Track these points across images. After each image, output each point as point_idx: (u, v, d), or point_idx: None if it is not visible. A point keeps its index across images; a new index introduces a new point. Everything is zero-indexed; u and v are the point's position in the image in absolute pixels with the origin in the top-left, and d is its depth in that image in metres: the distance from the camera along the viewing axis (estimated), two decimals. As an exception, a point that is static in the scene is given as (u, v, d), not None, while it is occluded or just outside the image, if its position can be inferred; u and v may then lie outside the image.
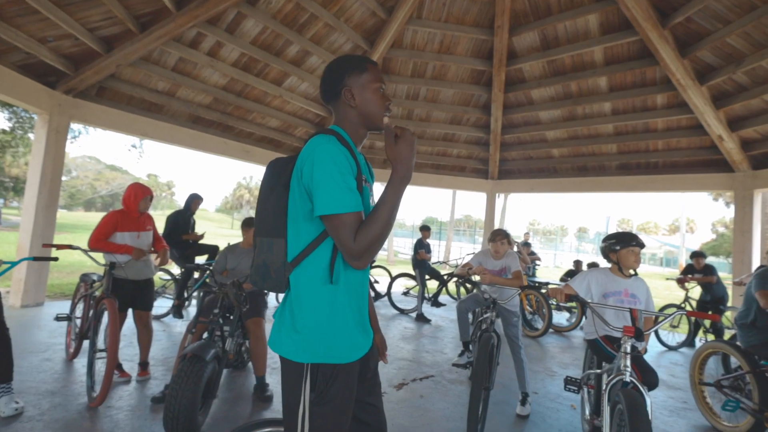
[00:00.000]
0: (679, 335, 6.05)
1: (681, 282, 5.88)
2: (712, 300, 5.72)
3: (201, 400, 2.31)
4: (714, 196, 25.24)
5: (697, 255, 5.97)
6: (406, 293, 7.50)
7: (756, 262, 6.14)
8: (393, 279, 7.00)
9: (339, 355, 1.07)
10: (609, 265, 2.60)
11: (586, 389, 2.72)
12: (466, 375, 3.80)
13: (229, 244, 3.58)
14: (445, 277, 6.92)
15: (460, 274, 3.31)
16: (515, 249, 6.33)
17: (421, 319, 6.11)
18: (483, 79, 7.10)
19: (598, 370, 2.44)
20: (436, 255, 16.43)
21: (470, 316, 3.80)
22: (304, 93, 6.91)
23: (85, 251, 2.91)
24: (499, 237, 3.43)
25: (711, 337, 5.91)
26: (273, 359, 3.75)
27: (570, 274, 7.32)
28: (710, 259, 11.05)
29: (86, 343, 3.03)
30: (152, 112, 5.93)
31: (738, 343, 2.91)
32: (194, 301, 6.07)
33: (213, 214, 57.70)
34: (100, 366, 3.02)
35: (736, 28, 4.62)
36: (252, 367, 3.16)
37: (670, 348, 5.71)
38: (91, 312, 3.07)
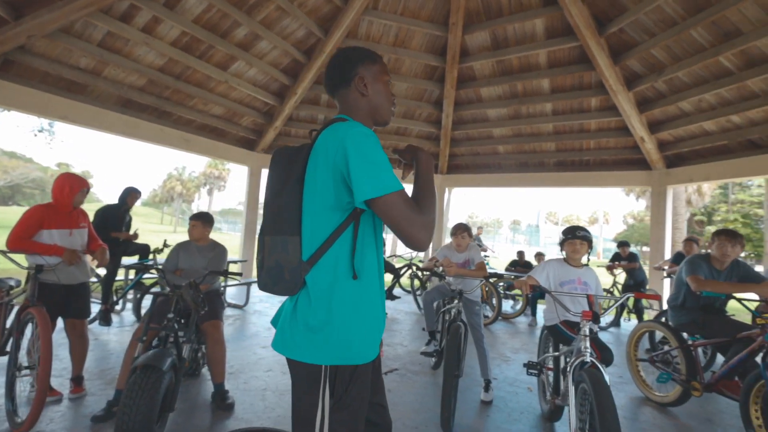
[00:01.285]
0: (608, 317, 6.72)
1: (610, 269, 6.52)
2: (635, 284, 6.42)
3: (158, 415, 2.08)
4: (626, 191, 28.35)
5: (623, 244, 6.66)
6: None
7: (668, 250, 6.99)
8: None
9: (359, 354, 1.01)
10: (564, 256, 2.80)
11: (544, 372, 2.91)
12: (429, 365, 3.88)
13: (165, 241, 3.27)
14: (400, 271, 6.99)
15: (427, 268, 3.35)
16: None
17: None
18: (436, 75, 7.22)
19: (556, 353, 2.61)
20: (390, 247, 16.62)
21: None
22: (252, 80, 6.51)
23: (2, 252, 2.47)
24: (459, 231, 3.53)
25: (633, 317, 6.65)
26: (230, 364, 3.52)
27: (514, 264, 7.79)
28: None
29: (2, 360, 2.60)
30: (73, 93, 5.20)
31: (669, 322, 3.28)
32: (128, 305, 5.50)
33: (140, 208, 52.85)
34: (23, 386, 2.61)
35: (659, 41, 5.16)
36: (208, 374, 2.93)
37: (601, 329, 6.32)
38: (9, 323, 2.63)
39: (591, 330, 2.17)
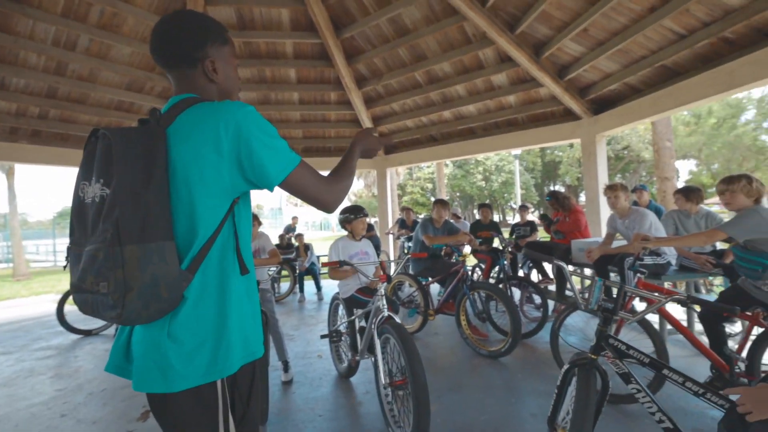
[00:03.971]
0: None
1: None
2: (376, 247, 7.99)
3: None
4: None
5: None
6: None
7: (391, 219, 9.05)
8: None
9: (257, 347, 0.98)
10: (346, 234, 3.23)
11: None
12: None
13: None
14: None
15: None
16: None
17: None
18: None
19: (351, 318, 3.04)
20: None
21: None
22: None
23: None
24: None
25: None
26: None
27: (278, 247, 8.01)
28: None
29: None
30: None
31: (411, 272, 4.39)
32: None
33: None
34: None
35: (378, 53, 6.43)
36: None
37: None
38: None
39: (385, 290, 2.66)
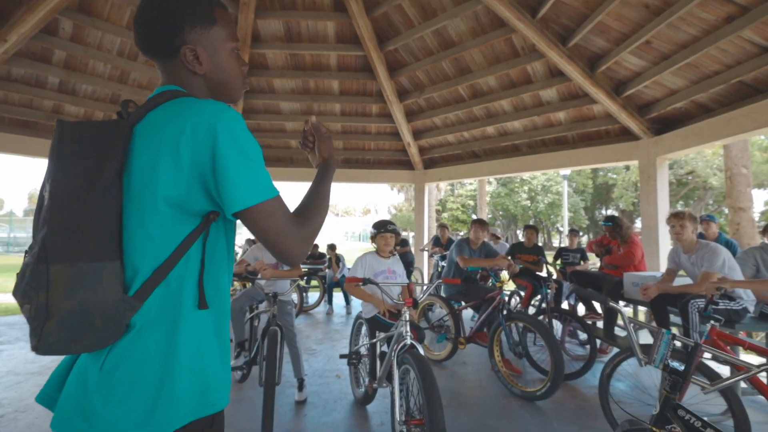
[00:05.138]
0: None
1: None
2: (406, 264, 7.72)
3: None
4: (390, 186, 33.80)
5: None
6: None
7: (427, 235, 8.79)
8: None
9: (219, 398, 0.78)
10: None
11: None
12: (234, 378, 3.50)
13: None
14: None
15: (237, 272, 2.99)
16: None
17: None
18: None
19: (373, 341, 2.83)
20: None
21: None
22: None
23: None
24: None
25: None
26: None
27: (309, 257, 8.00)
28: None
29: None
30: None
31: (442, 294, 4.12)
32: None
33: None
34: None
35: (421, 66, 6.31)
36: None
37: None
38: None
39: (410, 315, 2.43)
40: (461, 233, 27.12)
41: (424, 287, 3.02)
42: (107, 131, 0.72)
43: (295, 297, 6.18)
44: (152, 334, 0.72)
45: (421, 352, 2.22)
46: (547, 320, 4.02)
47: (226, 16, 0.88)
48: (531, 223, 17.36)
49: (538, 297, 4.60)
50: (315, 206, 0.90)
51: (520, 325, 3.50)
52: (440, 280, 2.74)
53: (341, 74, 6.80)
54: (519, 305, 4.92)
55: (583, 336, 4.43)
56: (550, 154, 6.50)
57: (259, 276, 2.90)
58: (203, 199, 0.74)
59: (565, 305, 5.05)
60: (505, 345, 3.55)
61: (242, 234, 17.42)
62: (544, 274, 4.39)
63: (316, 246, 8.72)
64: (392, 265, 2.96)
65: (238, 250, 9.58)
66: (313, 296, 7.65)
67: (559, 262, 5.34)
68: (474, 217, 12.82)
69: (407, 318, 2.36)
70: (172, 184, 0.71)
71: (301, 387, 3.19)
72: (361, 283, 2.52)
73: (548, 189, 30.02)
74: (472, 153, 7.69)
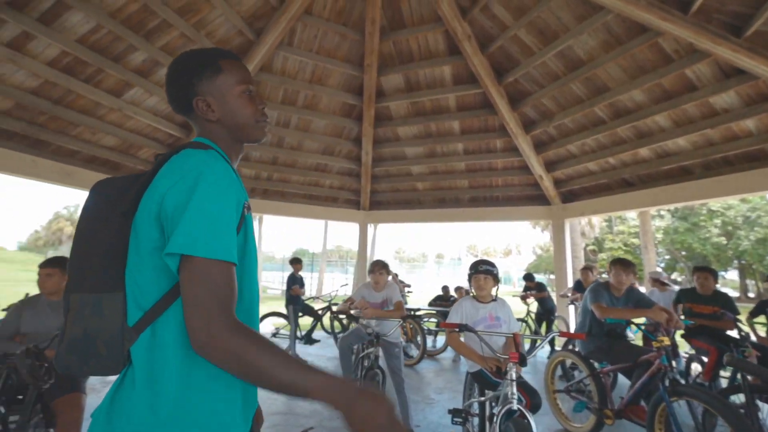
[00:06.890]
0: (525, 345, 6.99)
1: (523, 299, 6.87)
2: (545, 311, 6.81)
3: None
4: (533, 224, 31.31)
5: (527, 278, 7.19)
6: (275, 334, 6.83)
7: (570, 277, 7.62)
8: (260, 319, 6.30)
9: None
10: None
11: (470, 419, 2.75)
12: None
13: (27, 295, 2.60)
14: (319, 312, 6.58)
15: (343, 311, 3.10)
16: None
17: (296, 361, 5.58)
18: (354, 113, 7.31)
19: (482, 398, 2.48)
20: (309, 288, 15.84)
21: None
22: (152, 109, 5.91)
23: None
24: (377, 268, 3.37)
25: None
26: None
27: (439, 299, 7.83)
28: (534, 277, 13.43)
29: None
30: None
31: (579, 350, 3.40)
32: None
33: (13, 253, 44.45)
34: None
35: (547, 92, 5.82)
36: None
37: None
38: None
39: (517, 373, 2.06)
40: (625, 277, 22.71)
41: (537, 342, 2.52)
42: (121, 184, 0.82)
43: (417, 339, 6.04)
44: (152, 373, 0.73)
45: (533, 424, 1.83)
46: (748, 403, 2.86)
47: (231, 63, 0.93)
48: (705, 265, 13.38)
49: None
50: (268, 361, 0.67)
51: (697, 405, 2.57)
52: (555, 333, 2.24)
53: (461, 114, 6.81)
54: (701, 376, 3.68)
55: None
56: (739, 175, 5.00)
57: (360, 315, 2.93)
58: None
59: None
60: (674, 427, 2.64)
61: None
62: (734, 334, 3.21)
63: (447, 288, 8.52)
64: (494, 311, 2.60)
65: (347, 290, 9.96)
66: (441, 340, 7.35)
67: (762, 318, 3.84)
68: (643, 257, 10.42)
69: (513, 377, 1.99)
70: (151, 232, 0.75)
71: (409, 439, 2.98)
72: (457, 330, 2.26)
73: (754, 222, 22.98)
74: (622, 181, 6.52)
